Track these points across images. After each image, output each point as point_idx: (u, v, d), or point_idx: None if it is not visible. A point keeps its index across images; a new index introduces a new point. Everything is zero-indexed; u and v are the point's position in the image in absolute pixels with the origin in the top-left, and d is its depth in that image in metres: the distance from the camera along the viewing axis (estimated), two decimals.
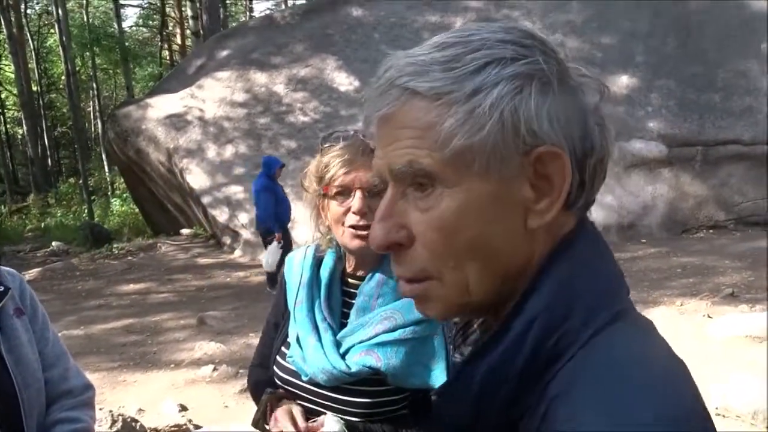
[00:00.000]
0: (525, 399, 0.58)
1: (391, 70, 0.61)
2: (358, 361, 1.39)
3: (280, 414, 1.41)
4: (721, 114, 9.73)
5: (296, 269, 1.53)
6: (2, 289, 1.43)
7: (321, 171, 1.38)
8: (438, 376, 1.37)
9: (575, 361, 0.57)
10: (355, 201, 1.35)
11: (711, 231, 9.22)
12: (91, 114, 28.40)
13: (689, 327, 5.15)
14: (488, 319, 0.68)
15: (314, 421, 1.39)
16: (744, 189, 9.47)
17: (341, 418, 1.39)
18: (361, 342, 1.40)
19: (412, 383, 1.38)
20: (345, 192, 1.36)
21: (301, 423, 1.38)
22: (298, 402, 1.46)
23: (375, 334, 1.39)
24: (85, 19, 24.08)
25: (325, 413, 1.40)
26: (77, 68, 23.27)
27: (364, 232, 1.34)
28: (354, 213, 1.35)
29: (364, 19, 11.57)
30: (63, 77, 22.66)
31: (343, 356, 1.41)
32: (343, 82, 10.92)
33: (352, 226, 1.36)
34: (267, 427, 1.45)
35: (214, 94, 11.08)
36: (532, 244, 0.62)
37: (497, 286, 0.62)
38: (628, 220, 9.20)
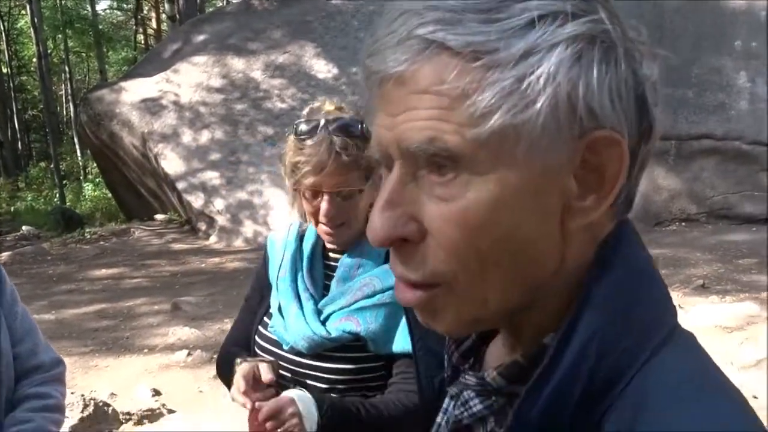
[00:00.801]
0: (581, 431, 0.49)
1: (408, 16, 0.48)
2: (338, 327, 1.41)
3: (238, 375, 1.37)
4: (694, 109, 9.88)
5: (279, 244, 1.56)
6: None
7: (291, 167, 1.39)
8: None
9: (632, 390, 0.48)
10: (323, 206, 1.37)
11: (683, 224, 9.38)
12: (63, 97, 27.84)
13: None
14: (503, 328, 0.60)
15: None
16: (715, 183, 9.65)
17: (318, 389, 1.38)
18: (341, 309, 1.42)
19: (391, 348, 1.40)
20: (314, 193, 1.37)
21: (266, 376, 1.35)
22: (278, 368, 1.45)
23: (354, 300, 1.41)
24: (58, 0, 23.54)
25: (301, 388, 1.39)
26: (49, 51, 22.74)
27: (334, 231, 1.40)
28: (323, 216, 1.37)
29: (342, 6, 11.49)
30: (34, 59, 22.16)
31: (323, 323, 1.43)
32: (322, 69, 10.85)
33: (324, 225, 1.40)
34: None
35: (190, 79, 10.92)
36: (566, 247, 0.51)
37: (519, 297, 0.52)
38: None
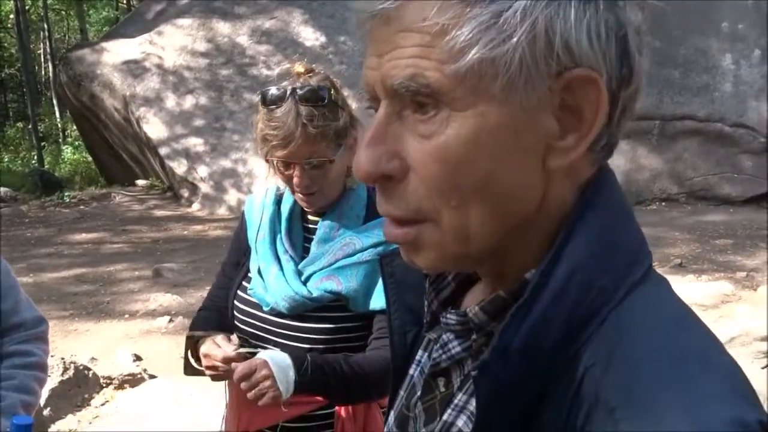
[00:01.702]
0: (556, 367, 0.50)
1: None
2: (319, 286, 1.42)
3: (207, 348, 1.38)
4: (679, 90, 9.93)
5: (257, 207, 1.56)
6: None
7: (261, 138, 1.38)
8: None
9: (608, 326, 0.49)
10: (295, 177, 1.37)
11: (663, 204, 9.50)
12: (42, 56, 27.16)
13: None
14: (484, 271, 0.60)
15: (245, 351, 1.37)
16: (696, 164, 9.76)
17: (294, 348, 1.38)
18: (321, 269, 1.44)
19: (372, 306, 1.41)
20: (286, 164, 1.38)
21: (226, 347, 1.36)
22: (254, 335, 1.47)
23: (335, 260, 1.43)
24: None
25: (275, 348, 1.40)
26: (27, 7, 22.11)
27: (308, 199, 1.41)
28: (296, 186, 1.39)
29: None
30: (11, 16, 21.54)
31: (304, 283, 1.44)
32: (309, 36, 10.70)
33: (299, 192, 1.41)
34: (197, 367, 1.45)
35: (174, 42, 10.71)
36: (547, 187, 0.52)
37: (502, 233, 0.53)
38: None
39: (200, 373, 1.45)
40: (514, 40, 0.47)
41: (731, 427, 0.43)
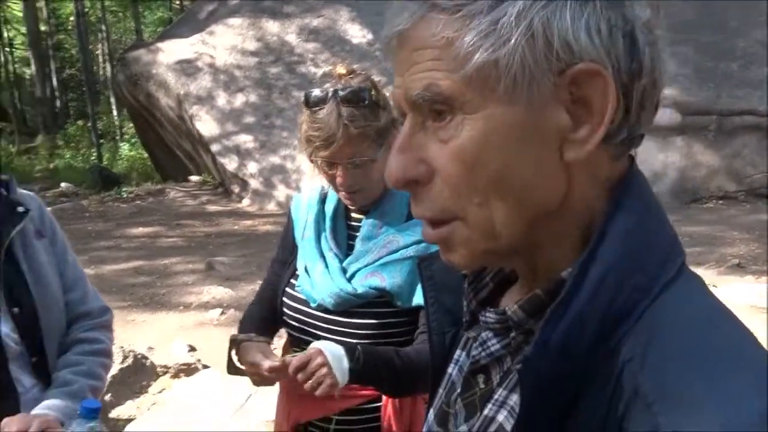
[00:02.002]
0: (595, 363, 0.52)
1: None
2: (363, 283, 1.45)
3: (252, 357, 1.43)
4: (738, 83, 9.57)
5: (303, 206, 1.61)
6: (23, 210, 1.44)
7: (305, 139, 1.42)
8: None
9: (645, 322, 0.51)
10: (338, 177, 1.41)
11: (721, 202, 9.19)
12: (100, 57, 28.10)
13: None
14: (519, 268, 0.63)
15: (294, 355, 1.41)
16: (756, 161, 9.38)
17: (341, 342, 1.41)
18: (366, 266, 1.47)
19: (416, 302, 1.43)
20: (329, 164, 1.41)
21: (268, 361, 1.41)
22: (303, 331, 1.52)
23: (379, 257, 1.46)
24: None
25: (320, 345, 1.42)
26: (86, 9, 22.92)
27: (352, 197, 1.45)
28: (339, 186, 1.42)
29: None
30: (72, 18, 22.36)
31: (349, 280, 1.47)
32: (356, 34, 10.76)
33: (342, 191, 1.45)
34: (240, 366, 1.49)
35: (225, 41, 10.94)
36: (568, 180, 0.55)
37: (527, 227, 0.55)
38: None
39: (243, 373, 1.50)
40: (512, 42, 0.50)
41: (764, 420, 0.44)
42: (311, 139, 1.39)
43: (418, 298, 1.42)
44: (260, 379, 1.43)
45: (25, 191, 1.53)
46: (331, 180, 1.44)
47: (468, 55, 0.51)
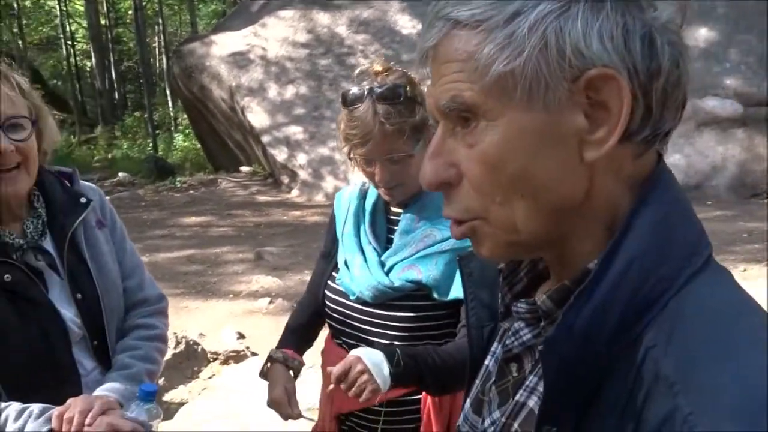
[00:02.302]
0: (618, 348, 0.54)
1: (437, 1, 0.59)
2: (401, 276, 1.48)
3: (278, 397, 1.55)
4: None
5: (344, 201, 1.65)
6: (85, 200, 1.51)
7: (344, 137, 1.45)
8: None
9: (669, 311, 0.54)
10: (377, 172, 1.43)
11: None
12: (156, 49, 28.84)
13: (752, 294, 5.01)
14: (547, 260, 0.66)
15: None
16: None
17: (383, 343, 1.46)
18: (403, 259, 1.49)
19: (453, 295, 1.44)
20: (367, 161, 1.44)
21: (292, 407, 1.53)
22: (345, 324, 1.57)
23: (416, 251, 1.48)
24: None
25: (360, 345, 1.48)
26: (144, 3, 23.54)
27: (390, 192, 1.48)
28: (378, 181, 1.45)
29: None
30: (130, 12, 23.01)
31: (387, 274, 1.50)
32: (406, 25, 10.73)
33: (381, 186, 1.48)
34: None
35: (276, 33, 11.08)
36: (590, 179, 0.57)
37: (548, 223, 0.59)
38: (695, 181, 8.88)
39: None
40: (526, 53, 0.54)
41: None
42: (349, 137, 1.42)
43: (455, 291, 1.43)
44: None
45: (86, 183, 1.60)
46: (370, 176, 1.47)
47: (486, 67, 0.55)
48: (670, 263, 0.55)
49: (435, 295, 1.46)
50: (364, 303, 1.51)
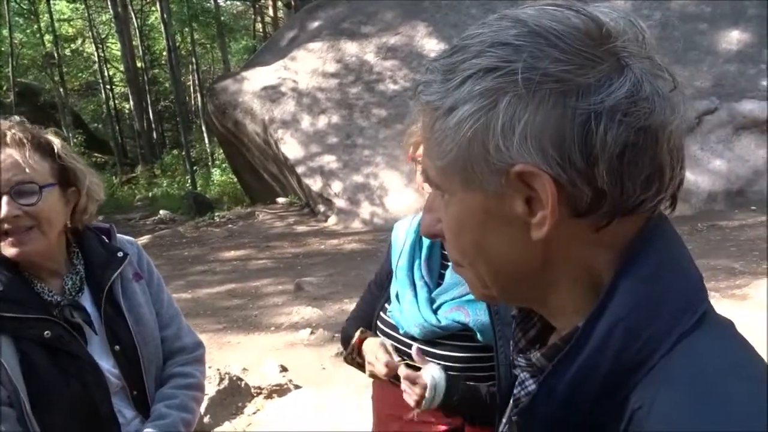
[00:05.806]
0: (604, 410, 0.54)
1: (421, 74, 0.63)
2: (448, 316, 1.48)
3: (372, 346, 1.54)
4: None
5: (401, 233, 1.67)
6: (122, 255, 1.55)
7: (409, 140, 1.50)
8: None
9: (658, 371, 0.53)
10: None
11: None
12: (191, 88, 29.66)
13: None
14: (536, 311, 0.69)
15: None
16: None
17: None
18: (453, 299, 1.50)
19: None
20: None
21: (394, 356, 1.51)
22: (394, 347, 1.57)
23: (466, 291, 1.48)
24: None
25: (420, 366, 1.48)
26: (177, 44, 24.28)
27: None
28: None
29: None
30: (164, 53, 23.74)
31: (435, 311, 1.51)
32: (434, 48, 10.80)
33: None
34: (358, 360, 1.61)
35: (306, 66, 11.28)
36: (545, 251, 0.58)
37: (515, 286, 0.63)
38: (737, 186, 8.63)
39: (359, 366, 1.62)
40: (455, 149, 0.58)
41: None
42: (410, 137, 1.49)
43: None
44: (373, 372, 1.54)
45: (124, 237, 1.65)
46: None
47: (439, 153, 0.60)
48: (660, 322, 0.55)
49: (481, 338, 1.46)
50: (413, 338, 1.53)
